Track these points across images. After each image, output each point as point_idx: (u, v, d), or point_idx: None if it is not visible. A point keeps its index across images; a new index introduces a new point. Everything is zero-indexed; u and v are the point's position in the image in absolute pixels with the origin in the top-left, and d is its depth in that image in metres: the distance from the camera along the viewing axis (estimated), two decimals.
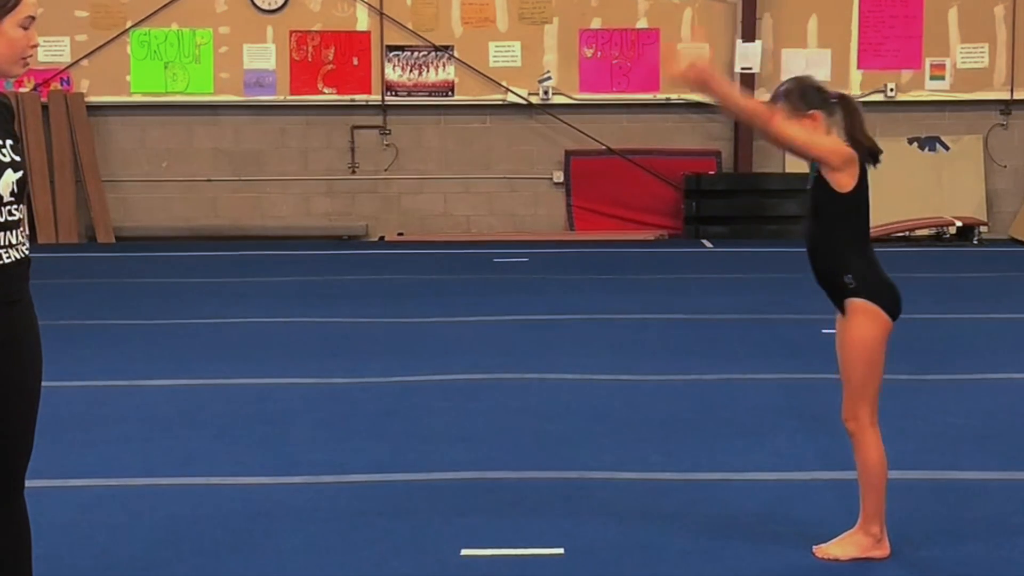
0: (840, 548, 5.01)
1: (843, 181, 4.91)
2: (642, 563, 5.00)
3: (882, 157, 4.99)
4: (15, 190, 3.76)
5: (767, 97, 5.20)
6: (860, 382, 4.96)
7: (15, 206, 3.76)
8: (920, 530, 5.33)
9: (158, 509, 5.68)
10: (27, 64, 3.82)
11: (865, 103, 16.41)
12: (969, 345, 9.36)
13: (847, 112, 4.98)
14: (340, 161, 16.66)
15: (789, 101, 4.94)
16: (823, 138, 4.90)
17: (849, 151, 4.90)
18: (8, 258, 3.75)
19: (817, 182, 4.95)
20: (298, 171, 16.65)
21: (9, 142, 3.79)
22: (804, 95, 4.95)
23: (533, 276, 13.03)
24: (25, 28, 3.75)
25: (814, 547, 5.04)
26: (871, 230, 5.09)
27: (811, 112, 4.92)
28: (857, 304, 4.92)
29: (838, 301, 4.97)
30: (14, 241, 3.77)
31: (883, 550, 5.02)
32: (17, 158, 3.79)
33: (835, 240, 4.95)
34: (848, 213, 4.94)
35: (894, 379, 8.10)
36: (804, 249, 5.02)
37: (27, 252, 3.83)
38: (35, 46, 3.80)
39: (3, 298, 3.75)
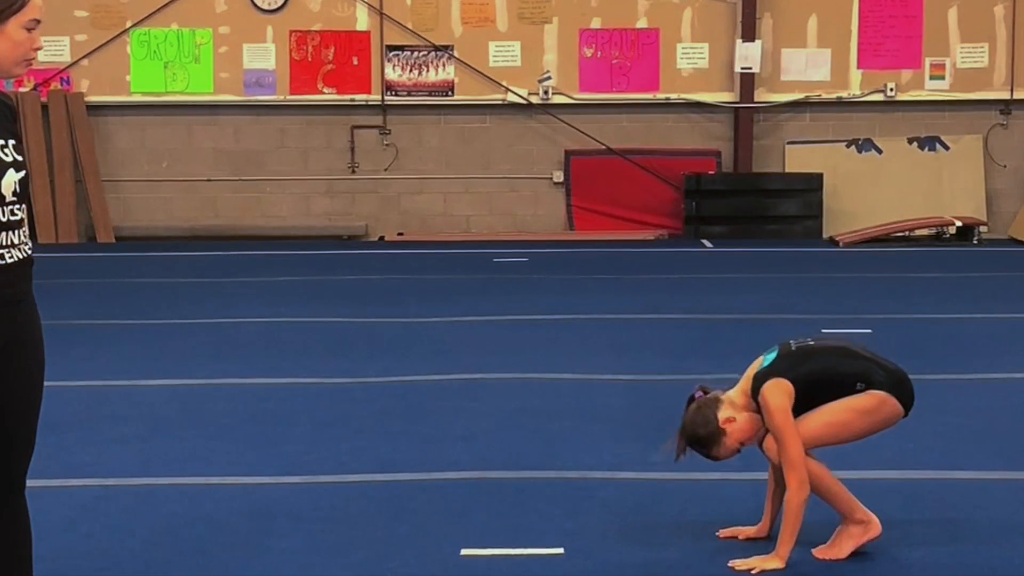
0: (837, 548, 5.02)
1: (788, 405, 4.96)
2: (642, 563, 5.00)
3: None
4: (17, 190, 3.76)
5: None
6: (811, 437, 4.98)
7: (17, 206, 3.76)
8: (920, 530, 5.33)
9: (158, 509, 5.68)
10: (29, 65, 3.83)
11: (865, 103, 16.47)
12: (969, 345, 9.36)
13: (711, 400, 5.07)
14: (340, 161, 16.66)
15: (712, 445, 5.03)
16: (787, 434, 4.90)
17: (780, 401, 4.93)
18: (11, 258, 3.75)
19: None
20: (298, 171, 16.65)
21: (11, 142, 3.79)
22: (705, 432, 5.03)
23: (533, 276, 13.03)
24: (30, 30, 3.75)
25: (813, 551, 5.04)
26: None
27: (722, 428, 5.01)
28: (873, 393, 5.01)
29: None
30: (16, 241, 3.77)
31: (874, 530, 5.03)
32: (19, 158, 3.79)
33: (833, 390, 5.02)
34: (810, 389, 4.99)
35: None
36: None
37: (30, 252, 3.83)
38: (38, 49, 3.80)
39: (6, 298, 3.75)
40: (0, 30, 3.71)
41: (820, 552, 5.03)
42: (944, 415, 7.26)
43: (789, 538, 4.90)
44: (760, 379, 5.00)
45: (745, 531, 5.24)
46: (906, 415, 5.11)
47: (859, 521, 5.02)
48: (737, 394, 5.08)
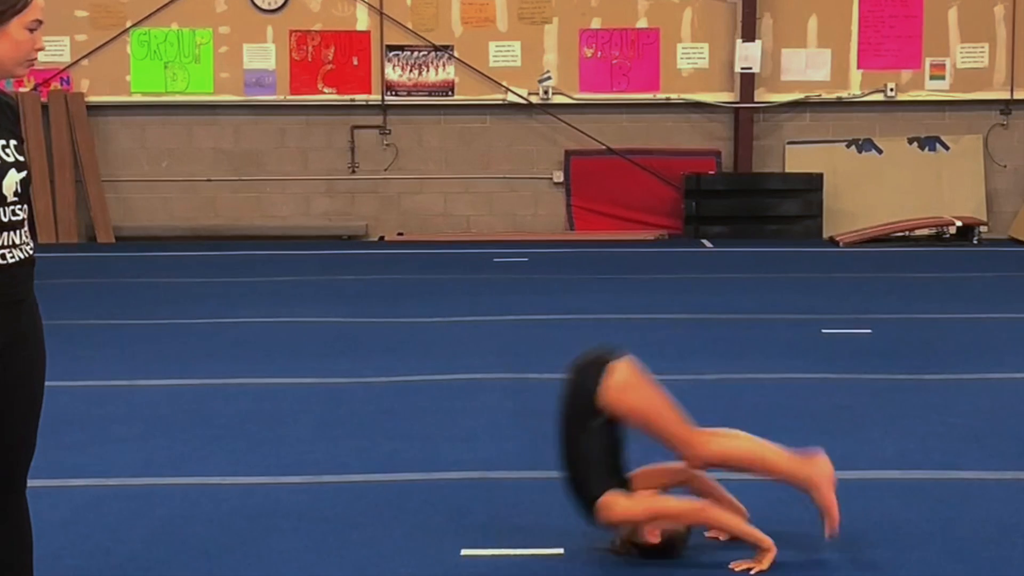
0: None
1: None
2: (642, 563, 5.00)
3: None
4: (19, 190, 3.76)
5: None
6: (663, 427, 5.04)
7: (19, 206, 3.77)
8: (920, 530, 5.34)
9: (158, 509, 5.69)
10: (31, 65, 3.84)
11: (865, 103, 16.47)
12: (969, 345, 9.36)
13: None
14: (340, 161, 16.67)
15: (664, 551, 5.00)
16: (642, 514, 4.97)
17: (619, 515, 4.97)
18: (12, 258, 3.75)
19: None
20: (298, 171, 16.65)
21: (13, 142, 3.79)
22: (653, 550, 5.02)
23: (533, 276, 13.03)
24: (32, 31, 3.76)
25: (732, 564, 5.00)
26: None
27: (640, 540, 5.01)
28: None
29: None
30: (18, 241, 3.77)
31: (821, 485, 5.06)
32: (21, 158, 3.80)
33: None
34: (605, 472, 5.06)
35: (894, 379, 8.12)
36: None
37: (31, 252, 3.83)
38: (40, 49, 3.81)
39: (8, 298, 3.75)
40: (3, 31, 3.71)
41: (739, 565, 5.00)
42: (944, 415, 7.26)
43: (748, 527, 4.95)
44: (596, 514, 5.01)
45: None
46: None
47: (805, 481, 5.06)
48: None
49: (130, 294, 12.02)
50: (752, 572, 4.88)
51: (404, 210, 16.71)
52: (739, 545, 5.12)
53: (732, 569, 4.92)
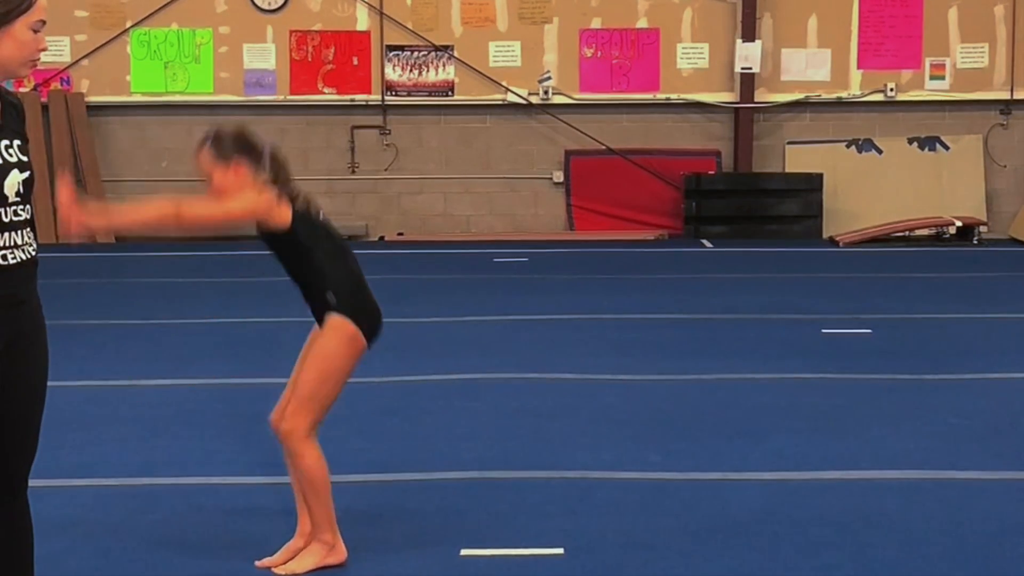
0: (297, 563, 4.94)
1: (277, 221, 4.93)
2: (642, 563, 5.00)
3: (318, 210, 5.04)
4: (21, 190, 3.75)
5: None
6: (309, 393, 5.01)
7: (21, 207, 3.76)
8: (920, 530, 5.34)
9: (158, 509, 5.69)
10: (34, 66, 3.83)
11: (865, 103, 16.47)
12: (969, 345, 9.36)
13: (274, 164, 5.00)
14: (340, 161, 16.67)
15: (215, 147, 4.94)
16: (235, 202, 4.85)
17: (267, 197, 4.89)
18: (14, 259, 3.74)
19: (261, 231, 4.96)
20: (298, 171, 16.44)
21: (17, 142, 3.79)
22: (230, 143, 4.95)
23: (533, 276, 13.03)
24: (36, 31, 3.76)
25: (259, 562, 4.97)
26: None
27: (234, 160, 4.91)
28: (335, 320, 4.96)
29: (319, 316, 5.02)
30: (19, 242, 3.76)
31: (339, 556, 4.97)
32: (24, 158, 3.79)
33: (310, 265, 4.99)
34: (307, 241, 4.98)
35: (894, 379, 8.12)
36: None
37: (34, 253, 3.82)
38: (43, 49, 3.81)
39: (9, 299, 3.75)
40: (7, 31, 3.71)
41: (275, 566, 4.95)
42: (944, 415, 7.26)
43: (131, 214, 4.86)
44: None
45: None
46: (369, 345, 5.07)
47: (325, 542, 4.95)
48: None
49: (130, 294, 12.02)
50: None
51: (404, 210, 16.71)
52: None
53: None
